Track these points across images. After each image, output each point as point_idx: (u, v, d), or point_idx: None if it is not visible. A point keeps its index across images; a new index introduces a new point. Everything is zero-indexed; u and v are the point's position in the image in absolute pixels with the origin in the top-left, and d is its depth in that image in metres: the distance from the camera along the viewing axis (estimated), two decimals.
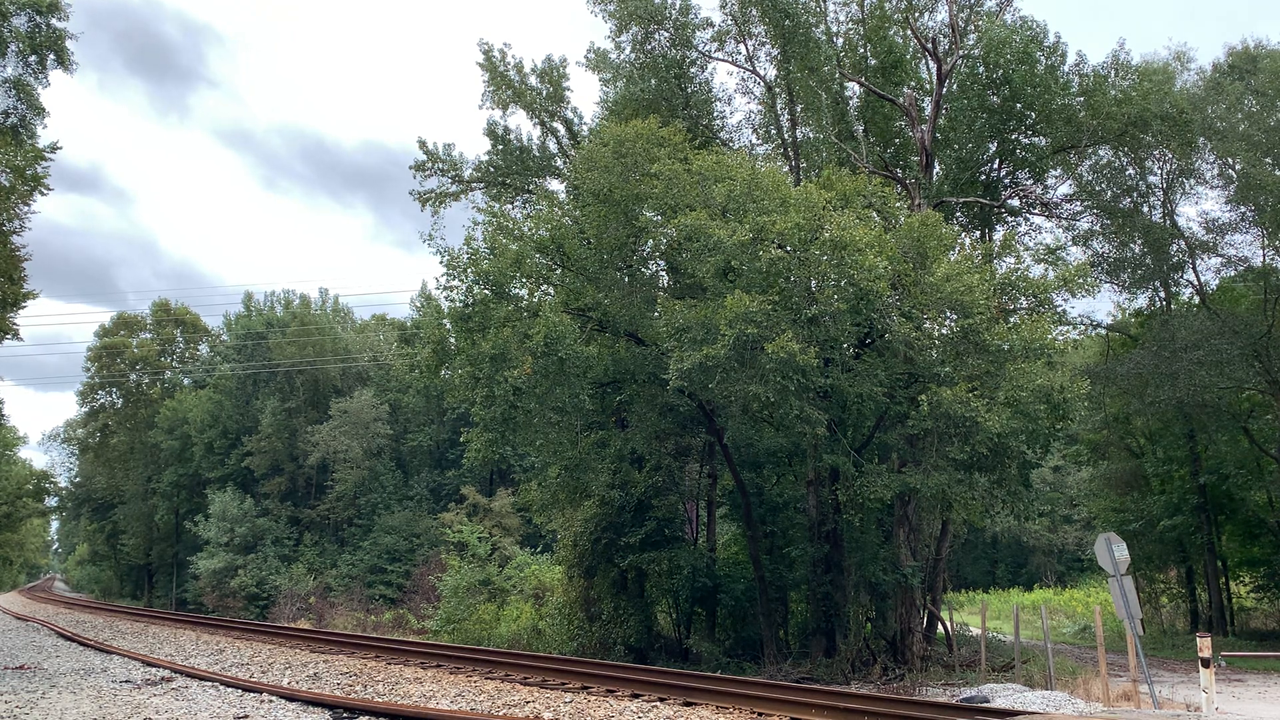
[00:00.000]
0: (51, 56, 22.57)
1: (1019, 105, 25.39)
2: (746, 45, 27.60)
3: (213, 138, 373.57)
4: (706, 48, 28.10)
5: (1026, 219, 28.68)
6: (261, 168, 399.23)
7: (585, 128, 29.73)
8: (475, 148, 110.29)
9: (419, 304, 58.78)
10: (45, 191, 21.14)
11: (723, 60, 28.15)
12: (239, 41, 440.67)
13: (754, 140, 29.92)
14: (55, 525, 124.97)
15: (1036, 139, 26.56)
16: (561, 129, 30.04)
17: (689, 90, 28.21)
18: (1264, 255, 29.29)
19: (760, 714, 12.68)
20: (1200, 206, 69.93)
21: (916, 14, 27.29)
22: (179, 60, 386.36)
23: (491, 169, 30.08)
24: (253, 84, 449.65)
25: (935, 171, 26.59)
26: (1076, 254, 30.57)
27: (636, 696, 14.45)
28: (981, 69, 25.62)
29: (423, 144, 29.98)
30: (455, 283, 21.71)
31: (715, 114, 29.49)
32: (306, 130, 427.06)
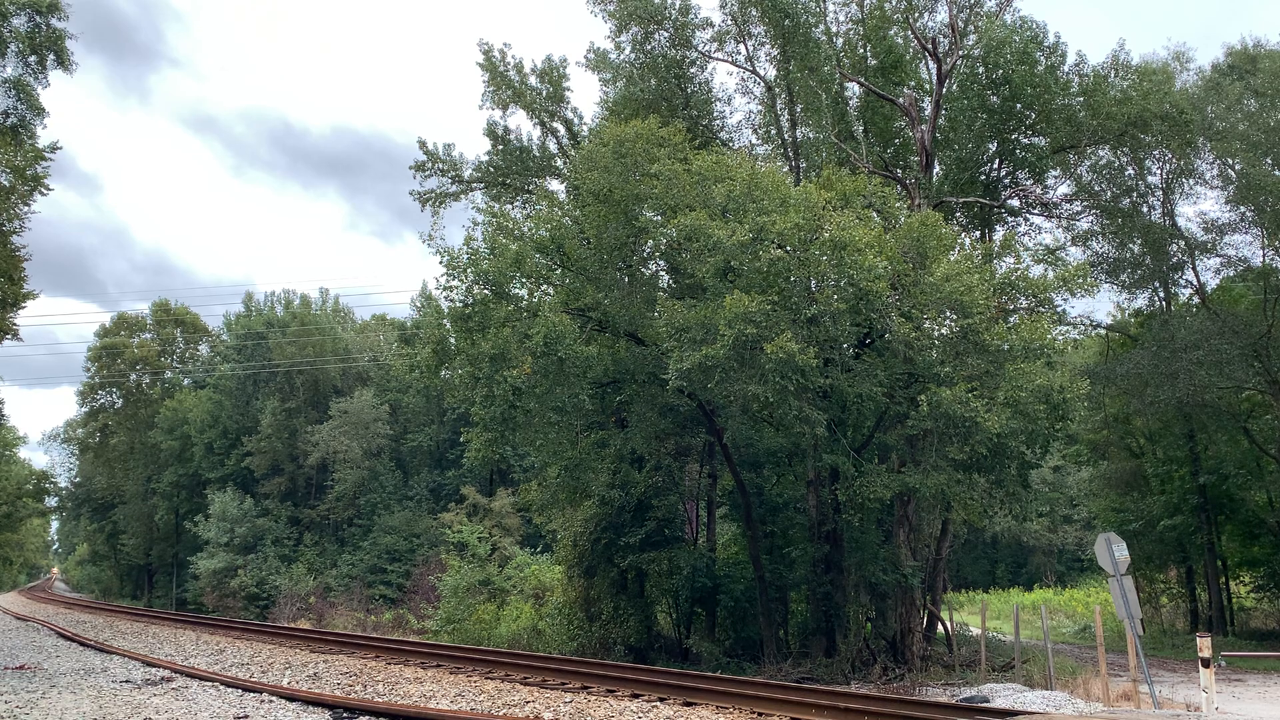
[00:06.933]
0: (51, 57, 22.54)
1: (1019, 105, 25.37)
2: (746, 45, 27.60)
3: (176, 124, 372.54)
4: (706, 48, 28.10)
5: (1026, 219, 28.69)
6: (229, 155, 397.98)
7: (585, 128, 29.72)
8: (475, 148, 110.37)
9: (419, 304, 58.85)
10: (45, 191, 21.18)
11: (722, 60, 28.17)
12: (197, 17, 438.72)
13: (754, 140, 29.93)
14: (55, 525, 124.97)
15: (1036, 139, 26.54)
16: (561, 129, 30.04)
17: (689, 90, 28.20)
18: (1264, 255, 29.31)
19: (760, 714, 12.69)
20: (1199, 206, 69.84)
21: (916, 14, 27.28)
22: (137, 38, 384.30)
23: (491, 169, 30.07)
24: (214, 63, 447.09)
25: (935, 171, 26.59)
26: (1076, 254, 30.65)
27: (636, 696, 14.46)
28: (981, 69, 25.60)
29: (423, 144, 29.98)
30: (455, 283, 21.69)
31: (715, 114, 29.48)
32: (272, 114, 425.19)
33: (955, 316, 19.31)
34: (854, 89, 27.77)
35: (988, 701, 14.92)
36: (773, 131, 28.44)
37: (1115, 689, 16.97)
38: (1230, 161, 27.74)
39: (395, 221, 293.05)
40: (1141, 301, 34.38)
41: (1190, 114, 26.37)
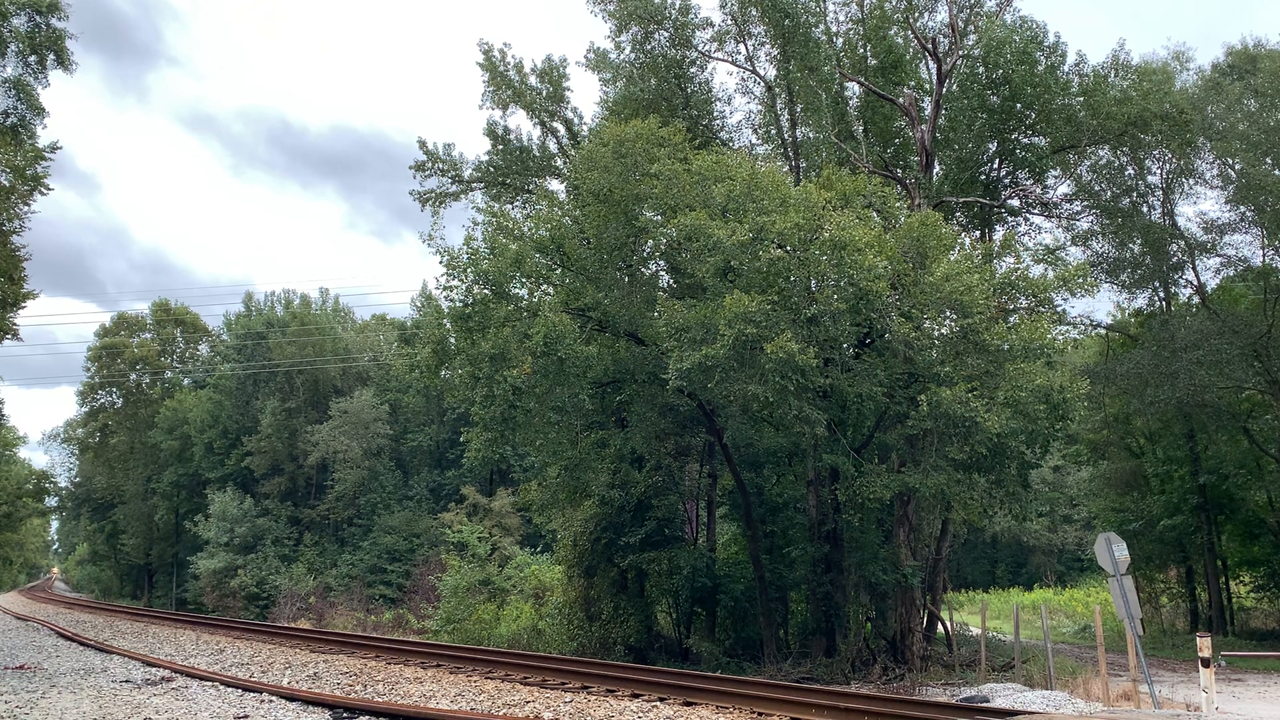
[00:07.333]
0: (51, 56, 22.53)
1: (1019, 105, 25.38)
2: (746, 45, 27.61)
3: (175, 123, 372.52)
4: (706, 48, 28.10)
5: (1026, 219, 28.70)
6: (227, 154, 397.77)
7: (585, 128, 29.72)
8: (475, 148, 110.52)
9: (419, 304, 58.89)
10: (45, 191, 21.18)
11: (722, 60, 28.17)
12: (195, 16, 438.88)
13: (754, 140, 29.94)
14: (55, 525, 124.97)
15: (1036, 139, 26.55)
16: (561, 129, 30.03)
17: (689, 90, 28.20)
18: (1264, 255, 29.30)
19: (760, 714, 12.69)
20: (1199, 207, 69.85)
21: (916, 14, 27.29)
22: (135, 36, 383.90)
23: (491, 169, 30.06)
24: (213, 62, 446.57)
25: (935, 171, 26.58)
26: (1076, 254, 30.64)
27: (636, 696, 14.46)
28: (981, 69, 25.61)
29: (423, 144, 29.97)
30: (455, 283, 21.69)
31: (715, 114, 29.48)
32: (270, 113, 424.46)
33: (955, 316, 19.31)
34: (854, 89, 27.77)
35: (988, 701, 14.93)
36: (773, 131, 28.45)
37: (1115, 689, 16.97)
38: (1230, 161, 27.73)
39: (394, 221, 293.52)
40: (1141, 301, 34.41)
41: (1190, 114, 26.37)
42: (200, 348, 77.47)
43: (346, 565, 54.08)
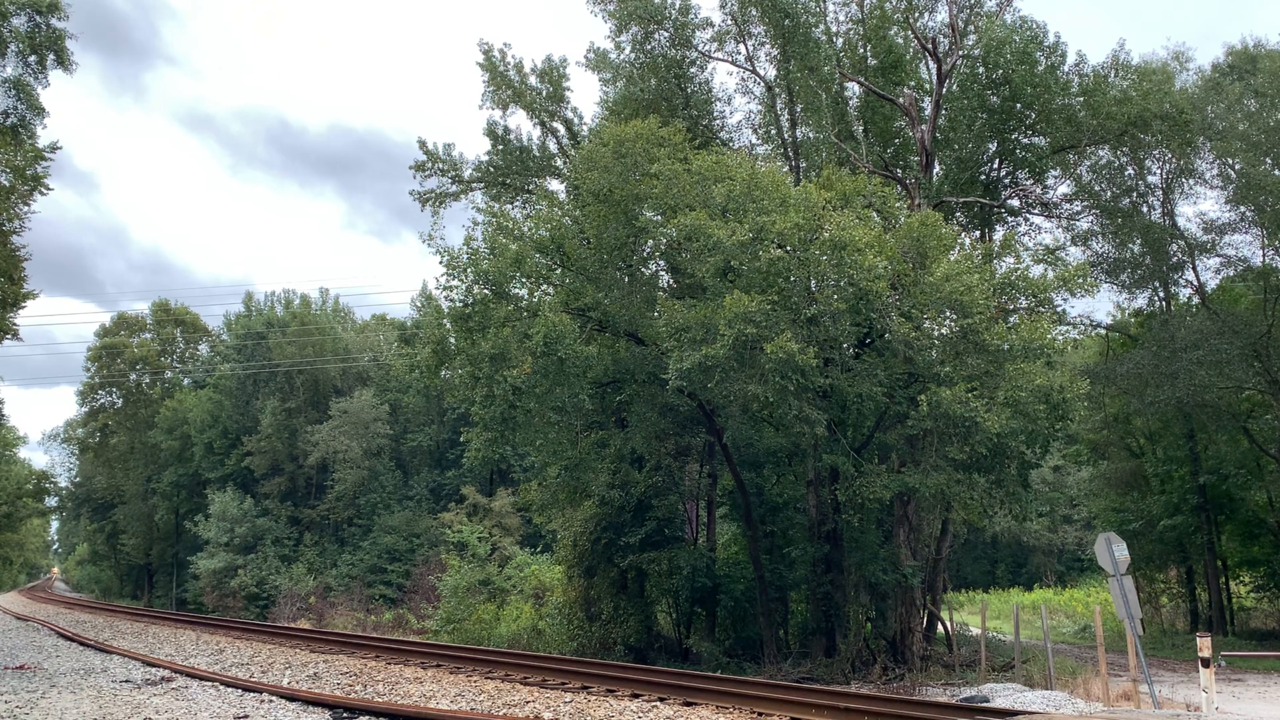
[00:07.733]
0: (51, 56, 22.53)
1: (1019, 105, 25.38)
2: (746, 45, 27.61)
3: (173, 122, 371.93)
4: (706, 48, 28.10)
5: (1026, 219, 28.71)
6: (226, 154, 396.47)
7: (585, 128, 29.73)
8: (475, 148, 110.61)
9: (419, 304, 58.88)
10: (45, 191, 21.18)
11: (722, 60, 28.18)
12: (194, 15, 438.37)
13: (754, 140, 29.94)
14: (55, 525, 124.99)
15: (1036, 139, 26.55)
16: (561, 129, 30.04)
17: (689, 90, 28.21)
18: (1264, 255, 29.30)
19: (760, 714, 12.69)
20: (1199, 207, 69.98)
21: (916, 14, 27.29)
22: (133, 35, 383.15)
23: (491, 169, 30.07)
24: (211, 61, 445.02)
25: (935, 171, 26.59)
26: (1076, 254, 30.64)
27: (636, 696, 14.46)
28: (981, 69, 25.61)
29: (423, 144, 29.99)
30: (455, 283, 21.69)
31: (715, 114, 29.49)
32: (269, 112, 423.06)
33: (955, 316, 19.31)
34: (854, 89, 27.77)
35: (988, 701, 14.93)
36: (773, 131, 28.45)
37: (1115, 689, 16.97)
38: (1230, 161, 27.72)
39: (393, 220, 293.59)
40: (1141, 301, 34.41)
41: (1190, 114, 26.37)
42: (200, 348, 77.50)
43: (346, 565, 54.09)
